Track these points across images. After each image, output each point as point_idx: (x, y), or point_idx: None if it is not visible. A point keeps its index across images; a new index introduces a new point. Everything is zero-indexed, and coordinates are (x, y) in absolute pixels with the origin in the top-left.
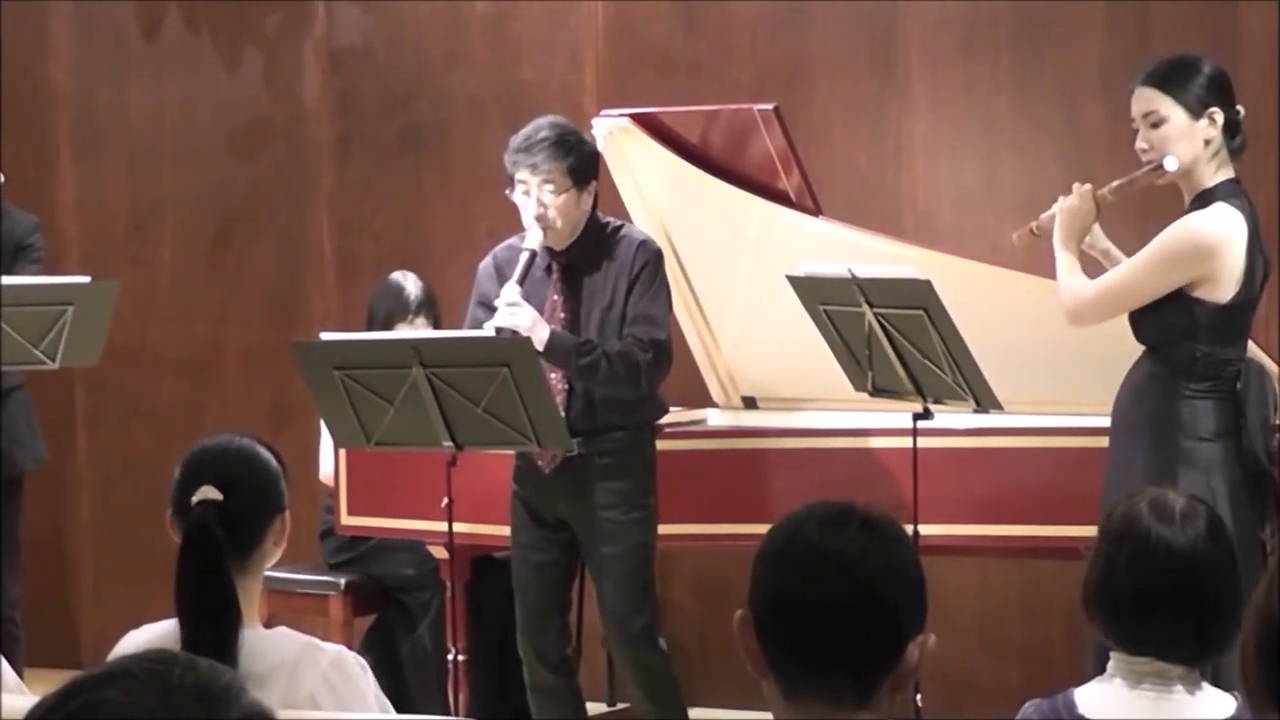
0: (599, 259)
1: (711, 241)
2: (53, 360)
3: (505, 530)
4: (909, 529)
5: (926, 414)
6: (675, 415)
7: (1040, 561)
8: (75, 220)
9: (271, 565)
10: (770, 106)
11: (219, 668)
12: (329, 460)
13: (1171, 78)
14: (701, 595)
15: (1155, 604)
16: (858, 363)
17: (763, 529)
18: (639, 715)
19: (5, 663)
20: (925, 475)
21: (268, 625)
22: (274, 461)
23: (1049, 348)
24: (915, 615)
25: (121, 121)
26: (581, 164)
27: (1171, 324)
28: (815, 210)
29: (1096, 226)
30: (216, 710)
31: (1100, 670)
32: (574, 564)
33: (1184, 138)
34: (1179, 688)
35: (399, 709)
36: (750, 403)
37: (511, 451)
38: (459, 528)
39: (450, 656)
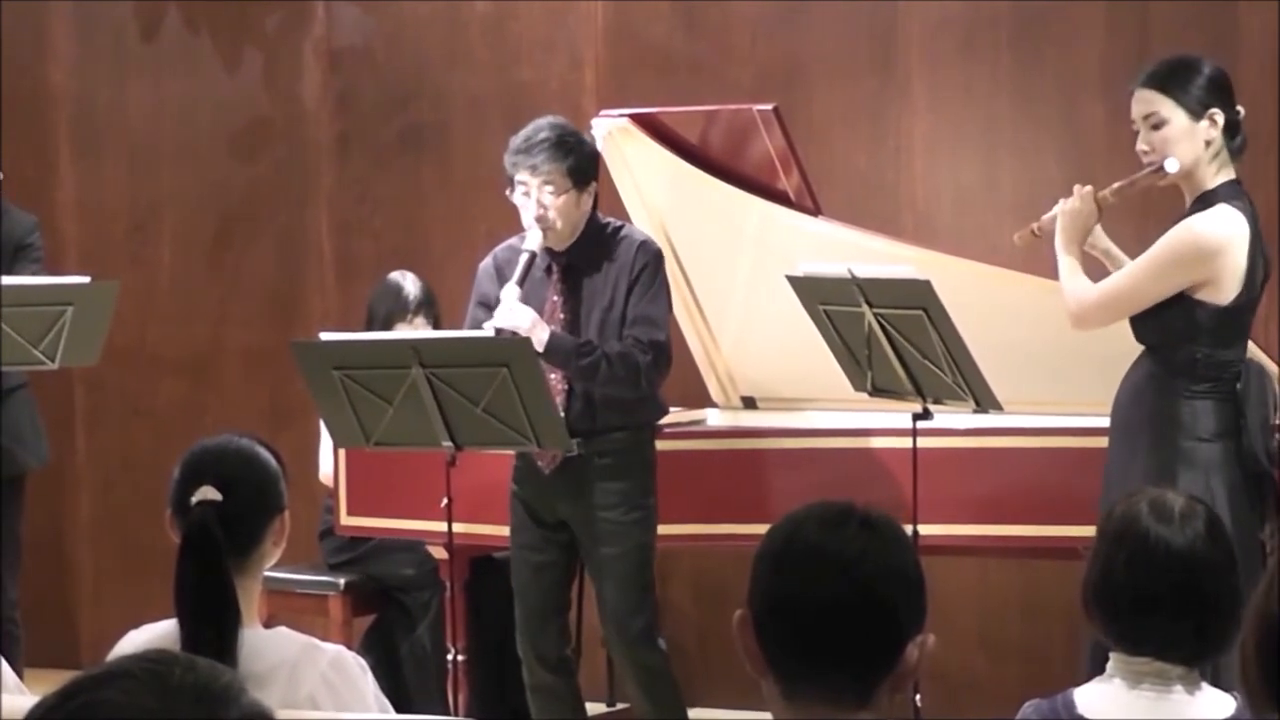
0: (599, 260)
1: (711, 242)
2: (52, 360)
3: (504, 530)
4: (908, 529)
5: (926, 414)
6: (675, 415)
7: (1040, 561)
8: (75, 220)
9: (271, 565)
10: (770, 107)
11: (218, 668)
12: (328, 460)
13: (1171, 79)
14: (701, 595)
15: (1154, 604)
16: (857, 363)
17: (762, 529)
18: (638, 715)
19: (5, 663)
20: (925, 475)
21: (267, 625)
22: (273, 461)
23: (1048, 348)
24: (915, 615)
25: (121, 121)
26: (581, 165)
27: (1172, 325)
28: (815, 210)
29: (1099, 228)
30: (216, 710)
31: (1096, 670)
32: (573, 564)
33: (1185, 139)
34: (1178, 688)
35: (398, 709)
36: (750, 403)
37: (511, 452)
38: (458, 528)
39: (450, 656)
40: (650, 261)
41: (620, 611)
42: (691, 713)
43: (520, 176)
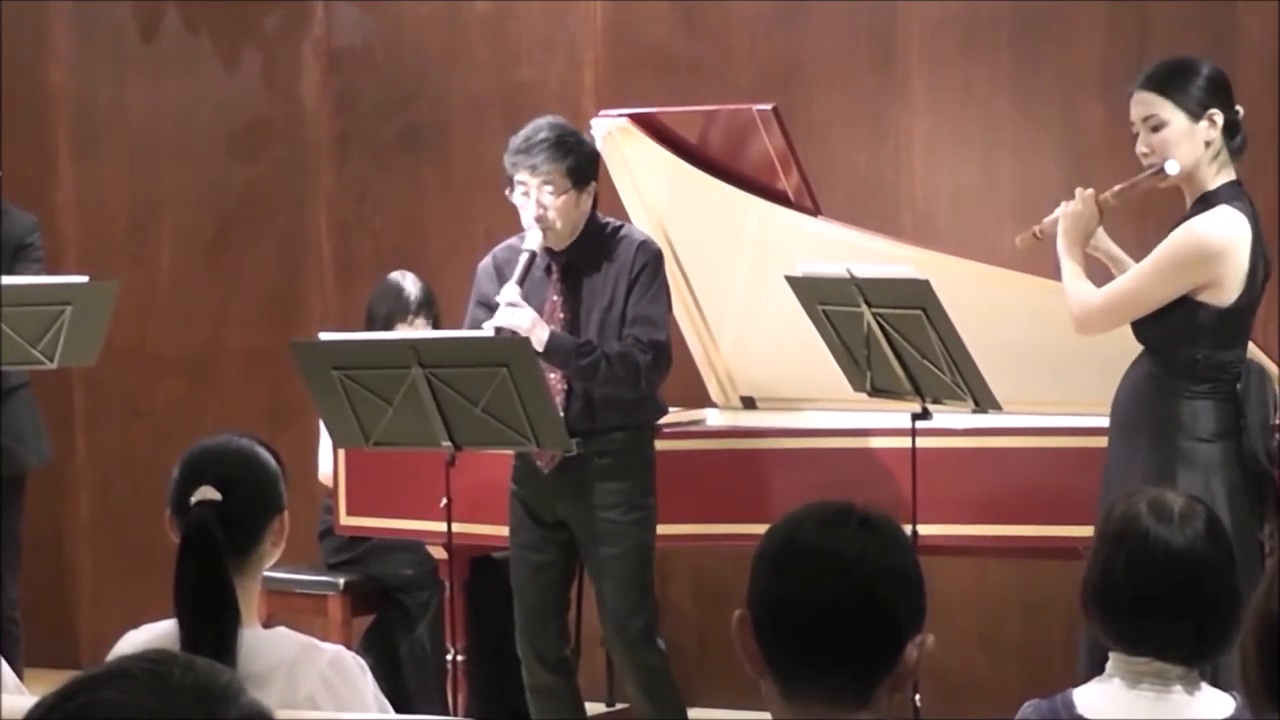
0: (599, 260)
1: (710, 242)
2: (51, 360)
3: (504, 530)
4: (908, 529)
5: (925, 414)
6: (674, 415)
7: (1039, 561)
8: (74, 220)
9: (270, 565)
10: (769, 107)
11: (218, 668)
12: (328, 461)
13: (1170, 81)
14: (700, 595)
15: (1154, 604)
16: (856, 363)
17: (761, 529)
18: (638, 715)
19: (4, 663)
20: (924, 475)
21: (266, 625)
22: (273, 461)
23: (1047, 348)
24: (914, 615)
25: (121, 121)
26: (581, 165)
27: (1173, 326)
28: (814, 210)
29: (1101, 230)
30: (215, 710)
31: (1092, 670)
32: (573, 564)
33: (1184, 140)
34: (1178, 688)
35: (398, 709)
36: (749, 403)
37: (510, 452)
38: (458, 528)
39: (449, 656)
40: (650, 261)
41: (619, 611)
42: (691, 713)
43: (520, 176)
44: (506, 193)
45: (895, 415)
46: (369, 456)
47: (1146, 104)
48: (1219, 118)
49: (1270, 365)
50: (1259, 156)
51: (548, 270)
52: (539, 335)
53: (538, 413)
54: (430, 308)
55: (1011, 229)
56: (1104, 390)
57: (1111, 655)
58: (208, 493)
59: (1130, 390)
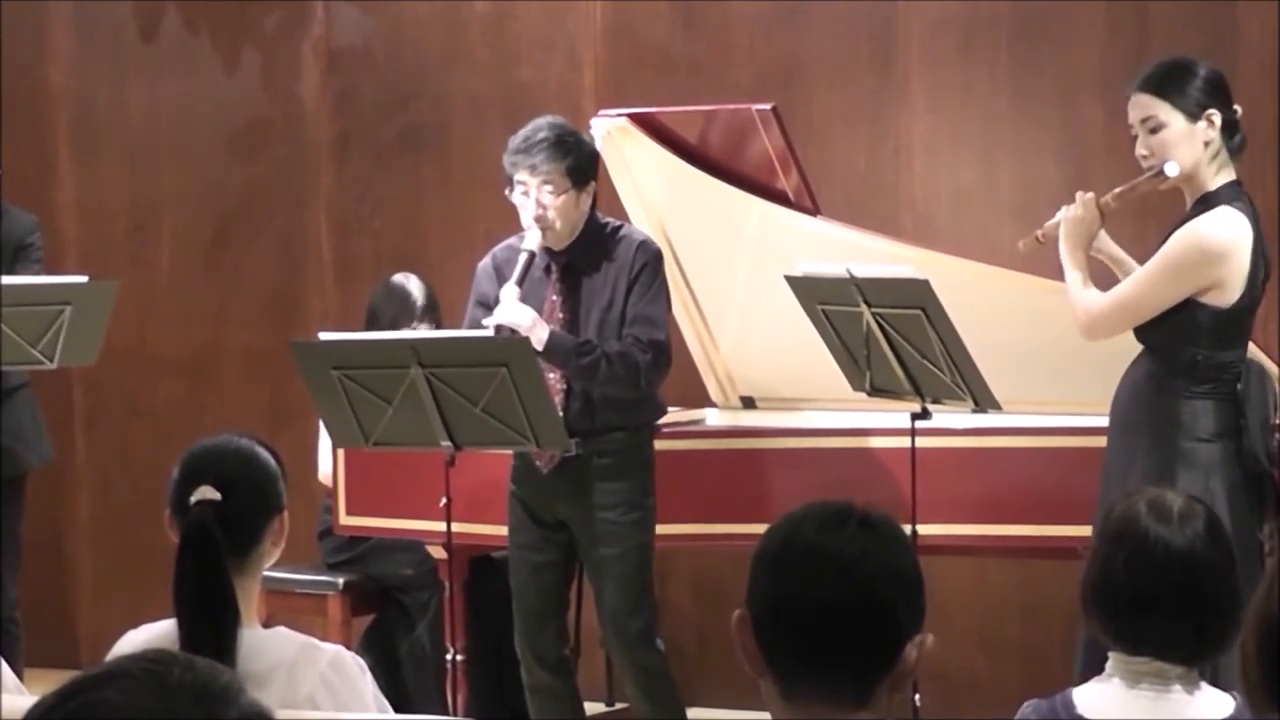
0: (598, 259)
1: (710, 241)
2: (50, 360)
3: (503, 530)
4: (907, 529)
5: (925, 414)
6: (674, 415)
7: (1039, 561)
8: (74, 220)
9: (270, 565)
10: (769, 106)
11: (217, 667)
12: (327, 461)
13: (1168, 82)
14: (700, 595)
15: (1153, 604)
16: (856, 363)
17: (761, 529)
18: (637, 716)
19: (4, 663)
20: (923, 475)
21: (266, 625)
22: (272, 461)
23: (1047, 347)
24: (914, 615)
25: (120, 121)
26: (580, 165)
27: (1173, 327)
28: (814, 210)
29: (1103, 233)
30: (215, 710)
31: (1089, 669)
32: (572, 564)
33: (1183, 142)
34: (1177, 687)
35: (397, 709)
36: (749, 403)
37: (510, 451)
38: (457, 528)
39: (448, 656)
40: (649, 261)
41: (619, 612)
42: (690, 713)
43: (519, 176)
44: (506, 192)
45: (895, 415)
46: (368, 456)
47: (1144, 106)
48: (1217, 118)
49: (1270, 365)
50: (1259, 156)
51: (547, 270)
52: (538, 335)
53: (537, 413)
54: (434, 311)
55: (1011, 229)
56: (1104, 390)
57: (1111, 655)
58: (207, 493)
59: (1130, 390)
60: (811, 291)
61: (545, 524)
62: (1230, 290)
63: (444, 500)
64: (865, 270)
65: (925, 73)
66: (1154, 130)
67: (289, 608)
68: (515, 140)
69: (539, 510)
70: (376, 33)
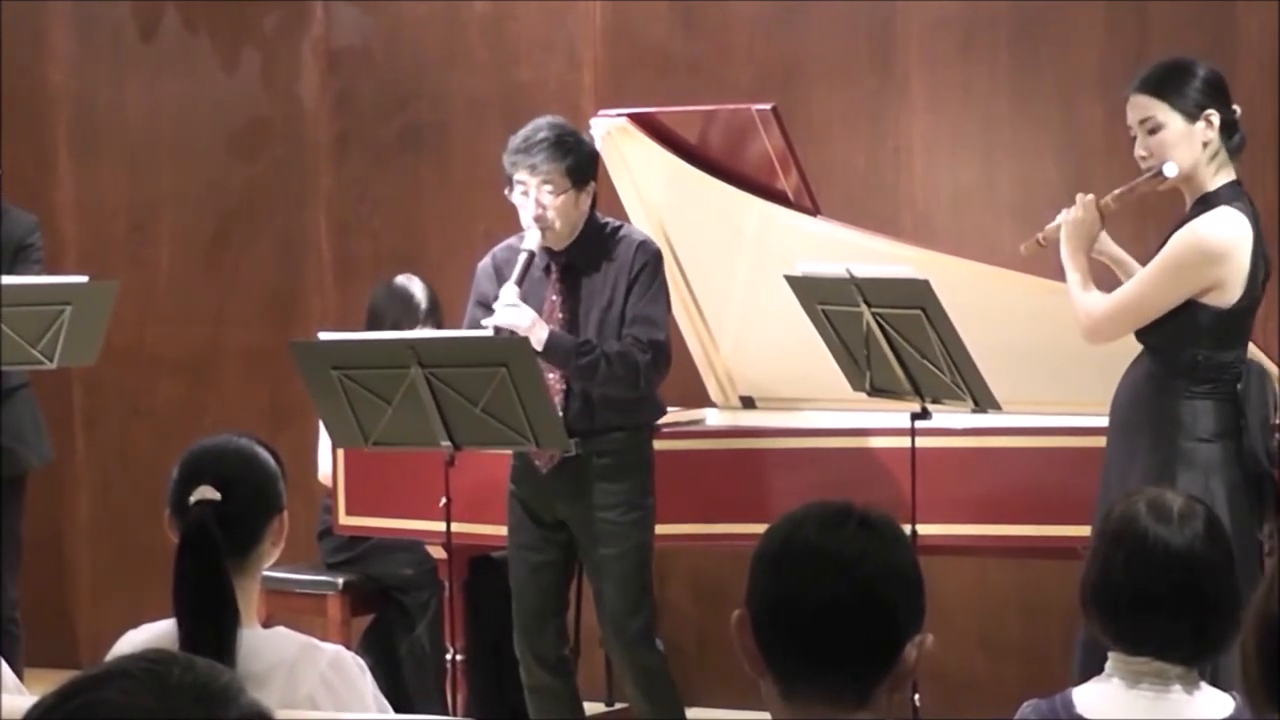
0: (598, 259)
1: (710, 241)
2: (50, 360)
3: (503, 530)
4: (907, 529)
5: (924, 414)
6: (673, 415)
7: (1038, 561)
8: (74, 220)
9: (270, 565)
10: (768, 106)
11: (217, 667)
12: (327, 461)
13: (1166, 83)
14: (699, 595)
15: (1153, 604)
16: (856, 362)
17: (761, 529)
18: (637, 716)
19: (4, 663)
20: (923, 475)
21: (266, 625)
22: (272, 461)
23: (1047, 347)
24: (913, 615)
25: (120, 121)
26: (580, 165)
27: (1174, 328)
28: (813, 210)
29: (1104, 234)
30: (215, 710)
31: (1087, 669)
32: (572, 564)
33: (1182, 142)
34: (1177, 687)
35: (397, 709)
36: (748, 403)
37: (509, 451)
38: (457, 528)
39: (448, 656)
40: (649, 261)
41: (618, 612)
42: (690, 713)
43: (519, 176)
44: (505, 192)
45: (894, 415)
46: (368, 456)
47: (1143, 107)
48: (1216, 118)
49: (1270, 365)
50: (1259, 156)
51: (546, 270)
52: (538, 335)
53: (537, 412)
54: (436, 313)
55: (1011, 229)
56: (1103, 390)
57: (1111, 655)
58: (207, 492)
59: (1130, 390)
60: (811, 291)
61: (545, 524)
62: (1230, 290)
63: (443, 500)
64: (865, 270)
65: (925, 73)
66: (1152, 131)
67: (289, 608)
68: (515, 140)
69: (538, 510)
70: (376, 33)
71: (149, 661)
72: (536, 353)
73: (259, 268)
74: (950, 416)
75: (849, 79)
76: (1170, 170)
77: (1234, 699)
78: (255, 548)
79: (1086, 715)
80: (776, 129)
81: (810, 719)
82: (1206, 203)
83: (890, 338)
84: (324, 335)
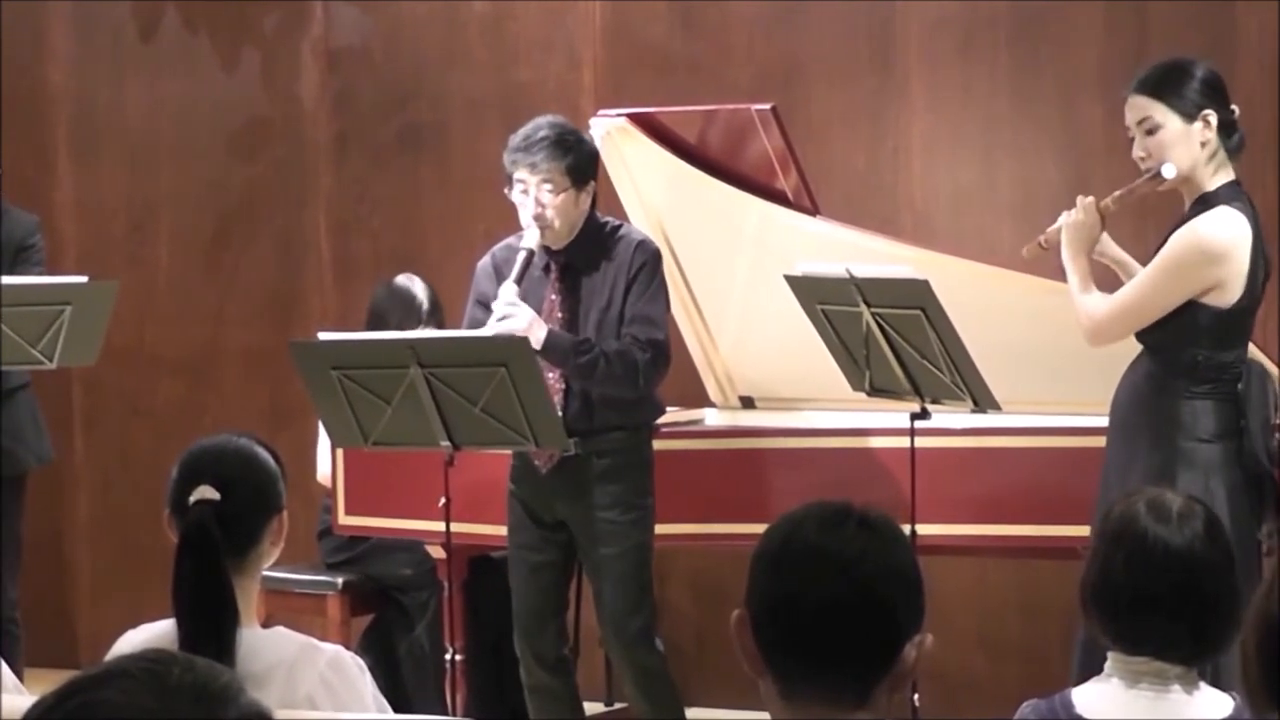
0: (597, 259)
1: (709, 241)
2: (50, 360)
3: (502, 530)
4: (906, 529)
5: (924, 414)
6: (673, 415)
7: (1038, 561)
8: (73, 220)
9: (269, 565)
10: (768, 106)
11: (217, 667)
12: (326, 462)
13: (1164, 84)
14: (699, 595)
15: (1153, 604)
16: (855, 362)
17: (760, 529)
18: (636, 715)
19: (4, 663)
20: (923, 475)
21: (265, 625)
22: (272, 461)
23: (1046, 347)
24: (913, 615)
25: (119, 121)
26: (580, 164)
27: (1174, 328)
28: (813, 210)
29: (1106, 235)
30: (215, 710)
31: (1087, 669)
32: (572, 564)
33: (1180, 143)
34: (1176, 687)
35: (396, 709)
36: (748, 402)
37: (509, 451)
38: (456, 528)
39: (447, 656)
40: (648, 260)
41: (618, 611)
42: (689, 713)
43: (519, 174)
44: (505, 190)
45: (894, 415)
46: (367, 456)
47: (1141, 108)
48: (1213, 118)
49: (1271, 366)
50: (1259, 156)
51: (546, 269)
52: (536, 333)
53: (536, 412)
54: (438, 313)
55: (1010, 229)
56: (1103, 390)
57: (1110, 655)
58: (206, 492)
59: (1130, 390)
60: (811, 291)
61: (544, 524)
62: (1230, 290)
63: (443, 500)
64: (865, 270)
65: (925, 73)
66: (1150, 131)
67: (288, 607)
68: (515, 138)
69: (538, 510)
70: (375, 33)
71: (149, 661)
72: (535, 351)
73: (259, 268)
74: (950, 416)
75: (849, 79)
76: (1169, 172)
77: (1233, 699)
78: (255, 548)
79: (1086, 715)
80: (776, 129)
81: (810, 719)
82: (1206, 203)
83: (890, 338)
84: (323, 335)
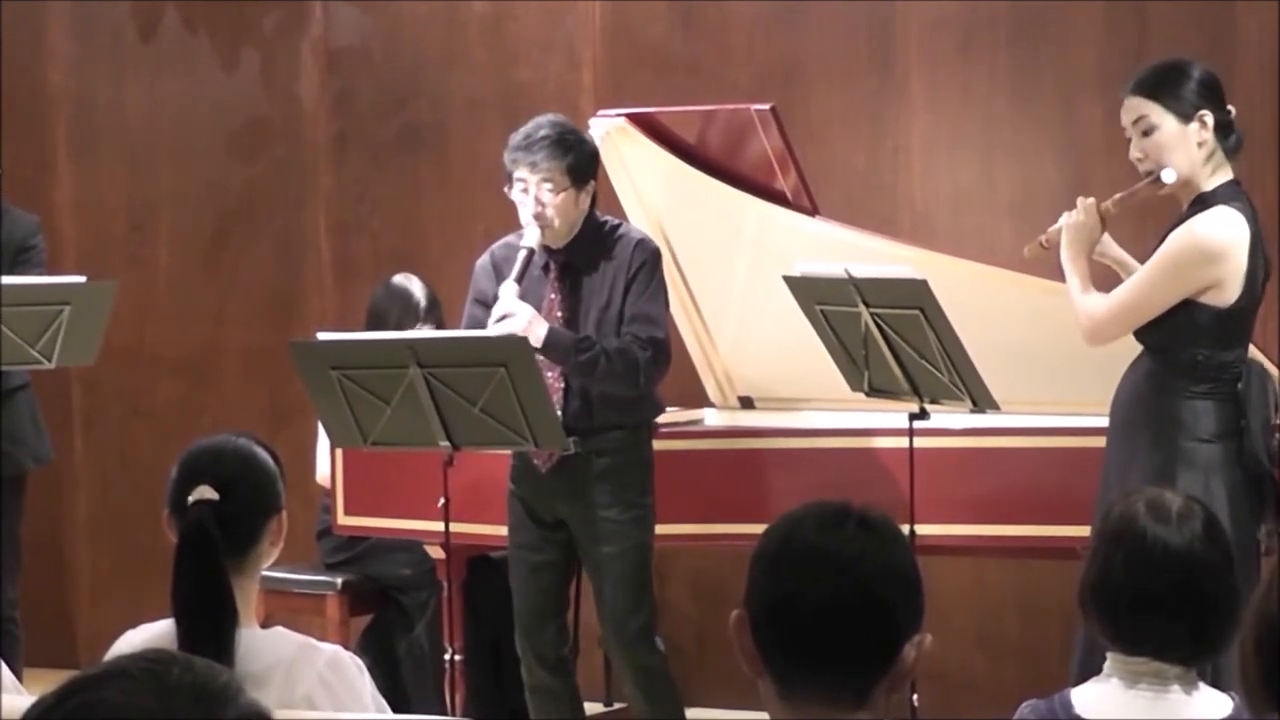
0: (597, 258)
1: (708, 242)
2: (49, 360)
3: (501, 530)
4: (906, 529)
5: (923, 414)
6: (672, 415)
7: (1037, 561)
8: (73, 220)
9: (268, 565)
10: (767, 106)
11: (216, 667)
12: (325, 462)
13: (1159, 85)
14: (699, 595)
15: (1152, 604)
16: (854, 363)
17: (760, 529)
18: (636, 715)
19: (4, 663)
20: (922, 475)
21: (264, 625)
22: (271, 461)
23: (1045, 348)
24: (912, 615)
25: (119, 121)
26: (581, 163)
27: (1173, 328)
28: (812, 210)
29: (1107, 236)
30: (214, 710)
31: (1086, 670)
32: (572, 564)
33: (1176, 144)
34: (1176, 687)
35: (396, 709)
36: (747, 403)
37: (508, 451)
38: (455, 528)
39: (447, 656)
40: (648, 259)
41: (618, 611)
42: (689, 713)
43: (519, 173)
44: (505, 189)
45: (893, 415)
46: (367, 456)
47: (1136, 109)
48: (1209, 119)
49: (1271, 366)
50: (1259, 156)
51: (545, 268)
52: (537, 331)
53: (535, 412)
54: (436, 311)
55: (1010, 229)
56: (1102, 390)
57: (1109, 655)
58: (205, 492)
59: (1130, 391)
60: (810, 291)
61: (545, 523)
62: (1229, 290)
63: (442, 500)
64: (863, 270)
65: (924, 73)
66: (1146, 133)
67: (287, 607)
68: (516, 137)
69: (538, 509)
70: (375, 33)
71: (148, 661)
72: (535, 349)
73: (258, 268)
74: (949, 417)
75: (848, 79)
76: (1169, 176)
77: (1232, 699)
78: (254, 548)
79: (1085, 715)
80: (775, 129)
81: (809, 719)
82: (1204, 202)
83: (888, 338)
84: (322, 335)
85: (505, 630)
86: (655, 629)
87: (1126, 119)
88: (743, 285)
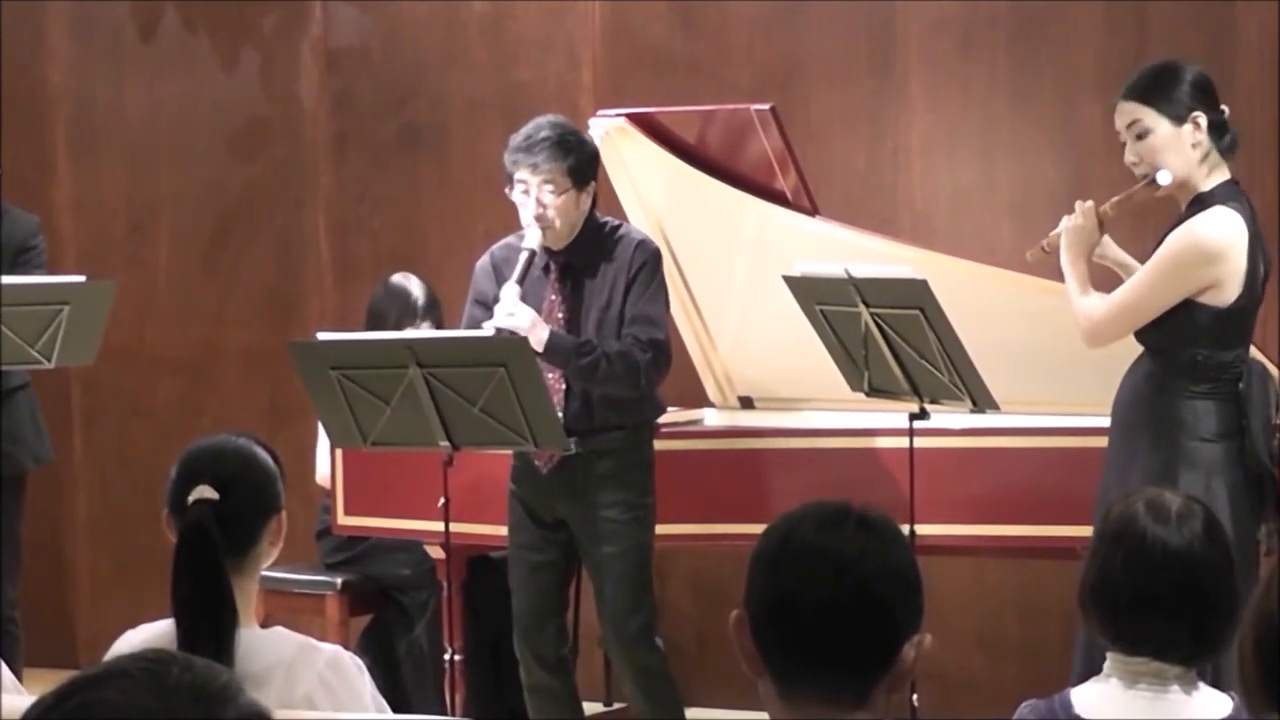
0: (597, 259)
1: (708, 242)
2: (49, 360)
3: (501, 530)
4: (905, 529)
5: (923, 414)
6: (672, 415)
7: (1037, 561)
8: (72, 220)
9: (268, 565)
10: (767, 106)
11: (216, 667)
12: (325, 463)
13: (1151, 89)
14: (699, 595)
15: (1152, 604)
16: (854, 363)
17: (760, 529)
18: (636, 715)
19: (3, 663)
20: (922, 475)
21: (264, 625)
22: (271, 461)
23: (1045, 348)
24: (912, 615)
25: (119, 121)
26: (581, 164)
27: (1173, 328)
28: (812, 210)
29: (1107, 238)
30: (214, 710)
31: (1086, 670)
32: (572, 564)
33: (1171, 146)
34: (1175, 688)
35: (395, 709)
36: (747, 403)
37: (508, 451)
38: (455, 528)
39: (446, 656)
40: (648, 260)
41: (618, 611)
42: (689, 713)
43: (520, 175)
44: (506, 190)
45: (893, 415)
46: (366, 456)
47: (1130, 113)
48: (1203, 120)
49: (1271, 366)
50: (1258, 156)
51: (546, 270)
52: (538, 335)
53: (536, 412)
54: (435, 310)
55: (1010, 229)
56: (1102, 390)
57: (1109, 655)
58: (205, 492)
59: (1131, 391)
60: (809, 292)
61: (545, 524)
62: (1228, 289)
63: (442, 500)
64: (863, 270)
65: (924, 73)
66: (1140, 136)
67: (287, 607)
68: (517, 138)
69: (539, 510)
70: (375, 33)
71: (148, 661)
72: (537, 353)
73: (258, 267)
74: (948, 417)
75: (848, 79)
76: (1164, 178)
77: (1232, 699)
78: (253, 547)
79: (1085, 715)
80: (775, 129)
81: (808, 719)
82: (1202, 203)
83: (888, 338)
84: (322, 335)
85: (505, 630)
86: (655, 629)
87: (1120, 124)
88: (743, 285)
